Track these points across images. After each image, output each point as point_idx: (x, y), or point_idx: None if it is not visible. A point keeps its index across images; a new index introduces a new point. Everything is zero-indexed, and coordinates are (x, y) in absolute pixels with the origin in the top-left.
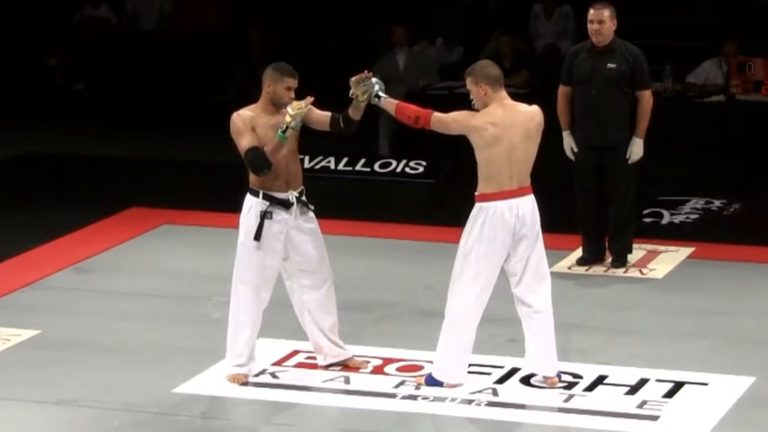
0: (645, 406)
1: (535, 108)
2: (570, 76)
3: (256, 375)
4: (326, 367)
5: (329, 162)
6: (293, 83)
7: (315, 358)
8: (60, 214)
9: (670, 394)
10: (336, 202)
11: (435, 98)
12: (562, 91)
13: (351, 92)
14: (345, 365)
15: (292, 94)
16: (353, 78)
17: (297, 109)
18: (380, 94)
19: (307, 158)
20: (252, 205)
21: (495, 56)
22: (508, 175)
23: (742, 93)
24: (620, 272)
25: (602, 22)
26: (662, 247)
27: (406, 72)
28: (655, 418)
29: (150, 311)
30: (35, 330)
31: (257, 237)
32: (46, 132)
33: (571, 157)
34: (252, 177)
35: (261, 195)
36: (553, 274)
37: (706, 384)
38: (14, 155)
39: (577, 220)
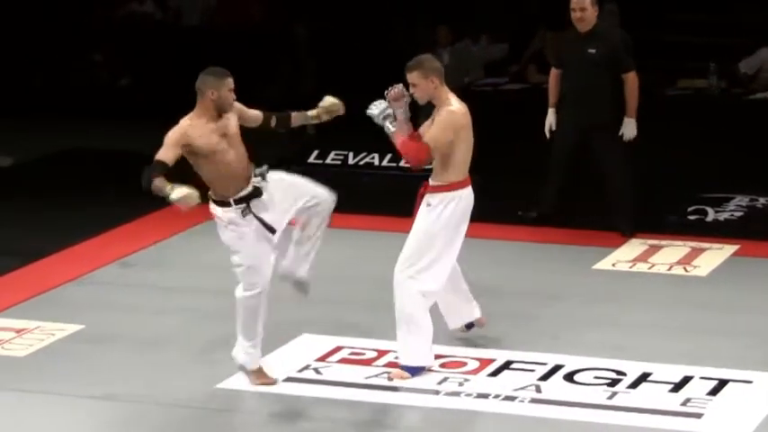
0: (689, 403)
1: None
2: (560, 60)
3: (300, 371)
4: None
5: (373, 158)
6: (232, 83)
7: (358, 354)
8: (105, 210)
9: (714, 392)
10: (380, 198)
11: (480, 94)
12: (553, 73)
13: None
14: None
15: (234, 95)
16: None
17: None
18: (389, 125)
19: (351, 155)
20: (225, 216)
21: (540, 51)
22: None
23: None
24: (664, 269)
25: (584, 10)
26: (706, 245)
27: (450, 69)
28: (699, 415)
29: (194, 306)
30: (79, 325)
31: (271, 230)
32: (91, 128)
33: (547, 134)
34: (212, 191)
35: (233, 203)
36: (597, 272)
37: (750, 382)
38: (59, 150)
39: (543, 194)
